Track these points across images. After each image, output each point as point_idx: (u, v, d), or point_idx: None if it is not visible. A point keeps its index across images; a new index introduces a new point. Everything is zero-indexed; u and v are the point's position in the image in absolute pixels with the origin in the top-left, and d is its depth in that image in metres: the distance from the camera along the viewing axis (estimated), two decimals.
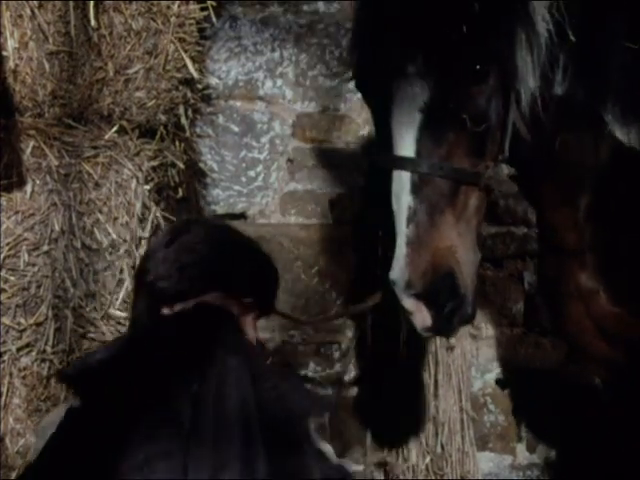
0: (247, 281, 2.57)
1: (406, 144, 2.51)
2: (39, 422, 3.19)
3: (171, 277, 2.58)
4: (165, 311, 2.56)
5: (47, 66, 3.32)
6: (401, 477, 3.94)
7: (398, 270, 2.50)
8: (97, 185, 3.31)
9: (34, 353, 3.21)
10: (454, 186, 2.53)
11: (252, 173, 4.00)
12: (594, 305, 2.87)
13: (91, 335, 3.25)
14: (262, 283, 2.61)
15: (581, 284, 2.88)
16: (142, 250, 3.33)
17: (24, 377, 3.21)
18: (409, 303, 2.52)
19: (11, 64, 3.29)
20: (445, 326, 2.57)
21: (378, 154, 2.61)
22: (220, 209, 3.97)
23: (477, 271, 2.61)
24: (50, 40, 3.31)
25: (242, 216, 3.98)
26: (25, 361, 3.22)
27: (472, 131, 2.51)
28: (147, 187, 3.35)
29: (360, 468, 3.98)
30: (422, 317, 2.54)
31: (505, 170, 2.91)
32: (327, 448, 2.49)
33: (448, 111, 2.50)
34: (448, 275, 2.51)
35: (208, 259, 2.57)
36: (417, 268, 2.48)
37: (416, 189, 2.49)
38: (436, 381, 3.93)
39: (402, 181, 2.51)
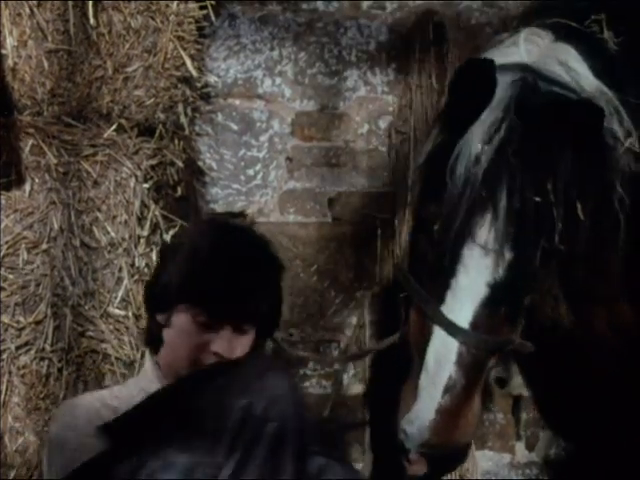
0: (205, 293, 2.48)
1: (463, 313, 2.49)
2: (38, 420, 3.19)
3: (152, 286, 2.58)
4: (159, 318, 2.55)
5: (46, 64, 3.31)
6: None
7: (417, 427, 2.50)
8: (96, 183, 3.31)
9: (33, 351, 3.21)
10: (489, 357, 2.54)
11: (251, 171, 3.99)
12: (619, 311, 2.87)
13: (90, 333, 3.25)
14: (231, 296, 2.49)
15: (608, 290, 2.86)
16: (141, 249, 3.33)
17: (23, 375, 3.21)
18: (414, 456, 2.52)
19: (10, 62, 3.29)
20: (433, 477, 2.59)
21: (423, 298, 2.55)
22: (219, 208, 3.97)
23: None
24: (49, 38, 3.31)
25: (241, 215, 3.98)
26: (24, 359, 3.21)
27: (520, 310, 2.54)
28: (146, 185, 3.35)
29: (359, 467, 3.98)
30: (417, 469, 2.54)
31: None
32: None
33: (512, 291, 2.50)
34: (464, 447, 2.55)
35: (178, 270, 2.50)
36: (440, 436, 2.49)
37: (460, 361, 2.48)
38: None
39: (448, 347, 2.49)
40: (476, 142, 2.47)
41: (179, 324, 2.50)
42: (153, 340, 2.59)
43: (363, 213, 4.04)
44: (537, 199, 2.43)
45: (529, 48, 2.60)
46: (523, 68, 2.54)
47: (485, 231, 2.46)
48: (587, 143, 2.46)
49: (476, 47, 4.06)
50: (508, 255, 2.47)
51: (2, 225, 3.21)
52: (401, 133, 4.02)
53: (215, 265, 2.49)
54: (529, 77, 2.51)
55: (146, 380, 2.58)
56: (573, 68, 2.57)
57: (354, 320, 4.02)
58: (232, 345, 2.48)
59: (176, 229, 3.38)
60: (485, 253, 2.47)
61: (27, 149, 3.28)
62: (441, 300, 2.51)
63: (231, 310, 2.48)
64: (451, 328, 2.49)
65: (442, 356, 2.51)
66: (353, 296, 4.03)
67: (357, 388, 4.05)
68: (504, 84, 2.49)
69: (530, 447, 4.15)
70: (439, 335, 2.51)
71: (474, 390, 2.53)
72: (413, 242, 2.67)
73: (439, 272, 2.52)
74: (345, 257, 4.03)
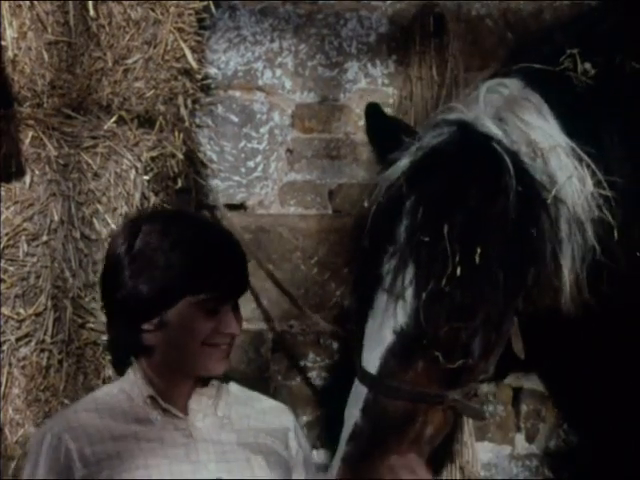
0: (210, 278, 2.54)
1: (371, 360, 2.48)
2: (38, 412, 3.20)
3: (140, 293, 2.56)
4: (146, 326, 2.55)
5: (46, 56, 3.31)
6: None
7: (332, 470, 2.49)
8: (96, 175, 3.30)
9: (33, 343, 3.21)
10: (412, 408, 2.48)
11: (251, 163, 3.99)
12: None
13: (90, 325, 3.25)
14: (223, 274, 2.57)
15: None
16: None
17: (23, 367, 3.21)
18: None
19: (10, 54, 3.28)
20: None
21: (355, 352, 2.56)
22: (219, 199, 3.96)
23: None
24: (49, 30, 3.31)
25: (241, 207, 3.98)
26: (24, 351, 3.21)
27: (445, 366, 2.46)
28: (146, 177, 3.35)
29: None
30: None
31: (485, 388, 2.82)
32: None
33: (421, 344, 2.45)
34: None
35: (169, 265, 2.52)
36: None
37: (367, 408, 2.47)
38: None
39: (358, 394, 2.49)
40: (382, 184, 2.54)
41: (181, 319, 2.50)
42: (135, 349, 2.60)
43: (363, 205, 4.03)
44: (430, 240, 2.40)
45: (487, 101, 2.63)
46: (460, 124, 2.55)
47: (390, 276, 2.45)
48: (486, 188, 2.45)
49: (476, 39, 4.07)
50: (413, 302, 2.43)
51: (2, 217, 3.21)
52: None
53: (201, 253, 2.54)
54: (456, 133, 2.53)
55: (128, 382, 2.60)
56: (526, 120, 2.57)
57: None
58: (237, 321, 2.57)
59: None
60: (394, 300, 2.45)
61: (27, 141, 3.27)
62: (360, 349, 2.51)
63: (231, 288, 2.57)
64: (362, 375, 2.49)
65: (353, 404, 2.49)
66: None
67: None
68: (428, 138, 2.54)
69: (530, 439, 4.15)
70: (355, 384, 2.51)
71: (390, 443, 2.47)
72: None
73: (360, 319, 2.54)
74: (346, 249, 4.03)
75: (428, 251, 2.41)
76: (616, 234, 2.57)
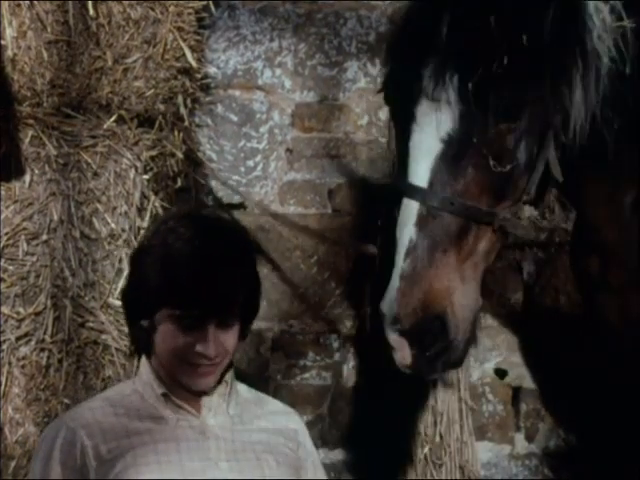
0: (186, 295, 2.43)
1: (420, 173, 2.40)
2: (38, 411, 3.20)
3: (129, 293, 2.57)
4: (143, 323, 2.55)
5: (45, 55, 3.31)
6: None
7: (388, 302, 2.41)
8: (96, 175, 3.30)
9: (33, 342, 3.21)
10: (464, 224, 2.41)
11: (251, 163, 3.99)
12: (634, 301, 2.77)
13: (90, 324, 3.25)
14: (202, 293, 2.44)
15: (623, 280, 2.76)
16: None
17: (23, 366, 3.21)
18: (393, 338, 2.43)
19: (9, 53, 3.28)
20: (425, 368, 2.47)
21: (395, 179, 2.50)
22: (218, 199, 3.97)
23: (477, 317, 2.49)
24: (48, 29, 3.31)
25: (241, 206, 3.98)
26: (24, 350, 3.21)
27: (495, 171, 2.40)
28: (146, 177, 3.35)
29: None
30: (403, 355, 2.44)
31: (527, 212, 2.75)
32: None
33: (471, 146, 2.38)
34: (438, 317, 2.40)
35: (153, 273, 2.47)
36: (407, 305, 2.38)
37: (421, 222, 2.39)
38: None
39: (409, 211, 2.40)
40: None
41: (163, 328, 2.48)
42: (143, 345, 2.59)
43: (363, 204, 4.03)
44: (472, 32, 2.30)
45: None
46: None
47: (431, 80, 2.36)
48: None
49: None
50: (457, 104, 2.35)
51: (2, 216, 3.21)
52: None
53: (190, 264, 2.45)
54: None
55: (141, 382, 2.59)
56: None
57: (354, 311, 4.02)
58: (218, 341, 2.47)
59: None
60: (437, 107, 2.36)
61: (27, 140, 3.27)
62: (405, 167, 2.42)
63: (213, 307, 2.45)
64: (410, 190, 2.40)
65: (405, 222, 2.40)
66: (353, 287, 4.03)
67: (357, 380, 4.05)
68: None
69: (530, 438, 4.15)
70: (404, 203, 2.42)
71: (446, 255, 2.40)
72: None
73: (402, 136, 2.43)
74: (345, 248, 4.03)
75: (473, 44, 2.32)
76: (628, 68, 2.45)
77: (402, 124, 2.48)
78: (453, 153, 2.39)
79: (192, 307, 2.44)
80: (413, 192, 2.40)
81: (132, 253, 2.72)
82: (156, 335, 2.50)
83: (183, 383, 2.51)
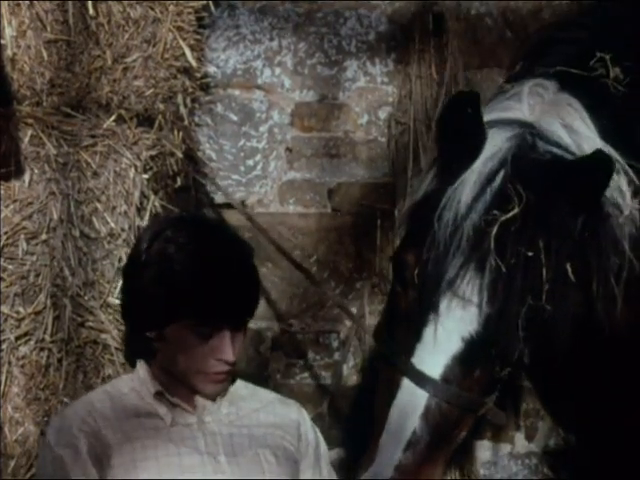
0: (201, 305, 2.46)
1: (435, 364, 2.39)
2: (38, 410, 3.20)
3: (136, 305, 2.57)
4: (149, 334, 2.55)
5: (45, 54, 3.31)
6: None
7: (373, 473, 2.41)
8: (95, 174, 3.30)
9: (33, 342, 3.21)
10: (461, 415, 2.44)
11: (251, 162, 4.00)
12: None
13: (90, 324, 3.25)
14: (215, 302, 2.48)
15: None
16: None
17: (23, 366, 3.21)
18: None
19: (9, 52, 3.28)
20: None
21: (393, 351, 2.47)
22: (218, 199, 3.96)
23: None
24: (48, 28, 3.31)
25: (241, 205, 3.98)
26: (24, 350, 3.21)
27: (497, 375, 2.44)
28: (145, 176, 3.35)
29: None
30: None
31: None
32: None
33: (486, 351, 2.40)
34: None
35: (163, 288, 2.48)
36: None
37: (427, 415, 2.39)
38: None
39: (415, 400, 2.40)
40: (467, 191, 2.38)
41: (177, 338, 2.49)
42: (142, 352, 2.60)
43: (363, 204, 4.03)
44: (529, 254, 2.33)
45: (532, 103, 2.52)
46: (523, 125, 2.47)
47: (466, 283, 2.37)
48: (587, 203, 2.38)
49: (475, 38, 4.07)
50: (487, 310, 2.37)
51: (1, 215, 3.21)
52: (401, 124, 4.02)
53: (199, 277, 2.47)
54: (528, 134, 2.44)
55: (138, 381, 2.59)
56: (575, 129, 2.48)
57: (354, 311, 4.02)
58: (233, 346, 2.50)
59: None
60: (463, 305, 2.37)
61: (26, 139, 3.27)
62: (411, 351, 2.41)
63: (228, 314, 2.49)
64: (420, 378, 2.39)
65: (408, 409, 2.40)
66: (353, 287, 4.03)
67: (356, 379, 4.06)
68: (502, 138, 2.42)
69: (529, 437, 4.15)
70: (407, 387, 2.41)
71: (440, 452, 2.43)
72: (390, 294, 2.57)
73: (412, 320, 2.42)
74: (345, 248, 4.03)
75: (519, 264, 2.35)
76: None
77: (420, 306, 2.43)
78: (471, 353, 2.40)
79: (208, 317, 2.46)
80: (424, 382, 2.40)
81: (127, 265, 2.70)
82: (166, 345, 2.51)
83: (197, 389, 2.53)
